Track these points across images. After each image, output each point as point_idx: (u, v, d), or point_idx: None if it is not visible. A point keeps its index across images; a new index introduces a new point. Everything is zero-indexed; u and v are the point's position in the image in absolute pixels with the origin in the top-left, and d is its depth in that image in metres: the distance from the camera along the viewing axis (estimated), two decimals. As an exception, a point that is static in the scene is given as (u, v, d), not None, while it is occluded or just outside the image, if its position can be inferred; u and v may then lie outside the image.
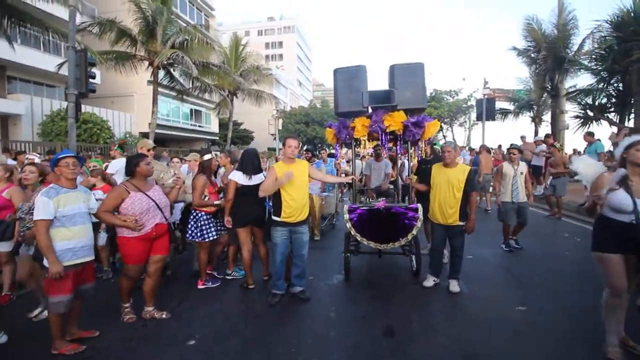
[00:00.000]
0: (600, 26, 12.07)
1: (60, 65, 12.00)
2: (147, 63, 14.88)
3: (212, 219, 4.04)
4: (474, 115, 25.29)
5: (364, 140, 4.18)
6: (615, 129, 11.24)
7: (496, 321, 3.25)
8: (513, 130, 36.33)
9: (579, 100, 13.99)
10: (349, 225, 4.01)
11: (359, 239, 4.07)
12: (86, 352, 2.76)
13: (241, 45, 21.82)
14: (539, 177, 9.99)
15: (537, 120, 18.26)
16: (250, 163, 3.94)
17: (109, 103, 20.21)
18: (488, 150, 9.88)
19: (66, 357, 2.69)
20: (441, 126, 28.74)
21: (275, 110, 32.34)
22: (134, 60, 14.75)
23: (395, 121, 3.89)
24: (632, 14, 10.82)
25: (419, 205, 3.97)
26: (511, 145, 5.95)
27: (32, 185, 3.44)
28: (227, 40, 22.67)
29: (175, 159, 5.87)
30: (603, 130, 17.79)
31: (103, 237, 4.30)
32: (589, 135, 8.70)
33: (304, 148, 9.66)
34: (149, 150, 4.49)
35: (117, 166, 5.07)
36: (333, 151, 6.64)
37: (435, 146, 5.24)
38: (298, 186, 3.58)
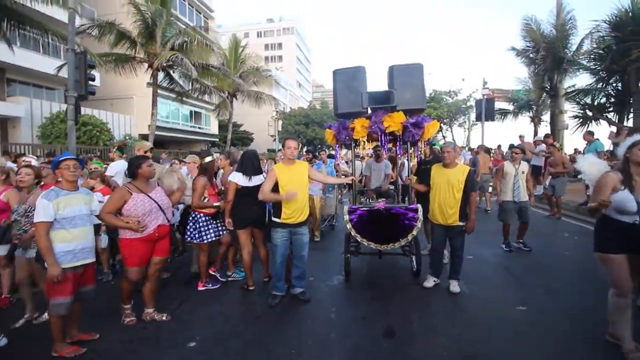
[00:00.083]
0: (599, 26, 12.09)
1: (60, 67, 12.01)
2: (146, 65, 14.89)
3: (211, 221, 4.04)
4: (473, 116, 25.30)
5: (364, 141, 4.18)
6: (614, 129, 11.26)
7: (496, 321, 3.25)
8: (512, 131, 36.41)
9: (578, 100, 14.02)
10: (349, 226, 4.01)
11: (359, 240, 4.07)
12: (86, 355, 2.75)
13: (240, 46, 21.86)
14: (538, 177, 9.99)
15: (536, 120, 18.28)
16: (250, 164, 3.95)
17: (108, 105, 20.22)
18: (487, 151, 9.89)
19: (66, 359, 2.69)
20: (441, 126, 28.77)
21: (274, 112, 32.39)
22: (133, 62, 14.77)
23: (394, 122, 3.90)
24: (630, 14, 10.84)
25: (419, 206, 3.97)
26: (511, 145, 5.97)
27: (27, 188, 3.42)
28: (227, 41, 22.70)
29: (175, 161, 5.87)
30: (602, 130, 17.82)
31: (104, 240, 4.30)
32: (589, 135, 8.70)
33: (305, 149, 9.66)
34: (146, 152, 4.50)
35: (116, 168, 5.07)
36: (333, 152, 6.65)
37: (434, 146, 5.24)
38: (298, 187, 3.58)
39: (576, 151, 14.26)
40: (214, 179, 4.28)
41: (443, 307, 3.63)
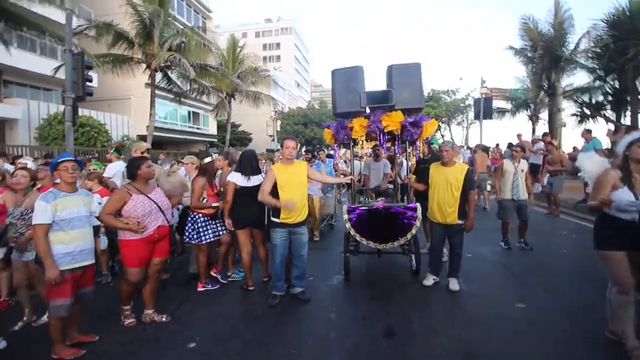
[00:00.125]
0: (596, 25, 12.15)
1: (57, 68, 11.98)
2: (144, 66, 14.86)
3: (210, 221, 4.03)
4: (471, 115, 25.35)
5: (362, 141, 4.18)
6: (612, 126, 11.30)
7: (496, 320, 3.25)
8: (510, 129, 36.53)
9: (575, 98, 14.10)
10: (348, 225, 4.01)
11: (358, 239, 4.07)
12: (86, 357, 2.74)
13: (238, 47, 21.81)
14: (536, 175, 10.03)
15: (534, 118, 18.35)
16: (249, 164, 3.94)
17: (106, 106, 20.16)
18: (485, 149, 9.91)
19: (66, 361, 2.68)
20: (439, 125, 28.84)
21: (273, 112, 32.38)
22: (131, 63, 14.74)
23: (393, 121, 3.90)
24: (627, 13, 10.90)
25: (418, 205, 3.97)
26: (509, 144, 5.98)
27: (23, 190, 3.39)
28: (225, 42, 22.66)
29: (174, 162, 5.85)
30: (600, 128, 17.90)
31: (104, 241, 4.29)
32: (587, 133, 8.73)
33: (304, 149, 9.66)
34: (143, 153, 4.49)
35: (113, 169, 5.06)
36: (331, 152, 6.65)
37: (432, 145, 5.25)
38: (296, 187, 3.58)
39: (575, 149, 14.30)
40: (213, 180, 4.27)
41: (443, 306, 3.63)
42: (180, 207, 4.51)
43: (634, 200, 2.42)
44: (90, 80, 8.48)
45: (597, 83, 12.93)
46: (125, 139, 17.65)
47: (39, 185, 4.10)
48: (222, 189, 4.17)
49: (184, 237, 4.07)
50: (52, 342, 2.71)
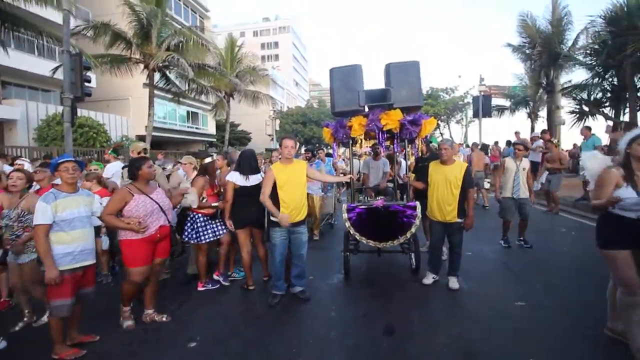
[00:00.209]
0: (594, 21, 12.13)
1: (55, 69, 11.94)
2: (142, 66, 14.82)
3: (209, 221, 4.03)
4: (470, 113, 25.35)
5: (361, 139, 4.18)
6: (611, 123, 11.30)
7: (496, 318, 3.26)
8: (509, 127, 36.45)
9: (574, 95, 14.08)
10: (347, 224, 4.02)
11: (358, 238, 4.07)
12: (86, 357, 2.75)
13: (237, 46, 21.76)
14: (535, 173, 10.04)
15: (533, 116, 18.34)
16: (248, 164, 3.94)
17: (104, 107, 20.12)
18: (483, 148, 9.92)
19: (66, 362, 2.68)
20: (438, 124, 28.84)
21: (272, 111, 32.36)
22: (129, 63, 14.70)
23: (392, 119, 3.90)
24: (625, 9, 10.89)
25: (417, 203, 3.98)
26: (508, 142, 5.96)
27: (19, 192, 3.35)
28: (223, 41, 22.61)
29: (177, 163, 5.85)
30: (599, 125, 17.90)
31: (105, 242, 4.29)
32: (586, 129, 8.74)
33: (304, 148, 9.66)
34: (139, 153, 4.49)
35: (112, 170, 5.07)
36: (330, 151, 6.64)
37: (432, 144, 5.25)
38: (295, 186, 3.58)
39: (575, 146, 14.31)
40: (214, 180, 4.26)
41: (442, 304, 3.64)
42: (179, 207, 4.51)
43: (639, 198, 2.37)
44: (89, 81, 8.46)
45: (596, 80, 12.92)
46: (124, 139, 17.63)
47: (37, 187, 4.09)
48: (221, 189, 4.17)
49: (183, 237, 4.07)
50: (53, 342, 2.72)
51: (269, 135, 33.87)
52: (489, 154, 12.17)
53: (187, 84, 17.66)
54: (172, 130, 24.93)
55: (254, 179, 3.92)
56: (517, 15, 15.60)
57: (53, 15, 12.62)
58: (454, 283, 3.93)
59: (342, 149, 8.69)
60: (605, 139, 9.38)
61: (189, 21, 25.97)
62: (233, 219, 3.90)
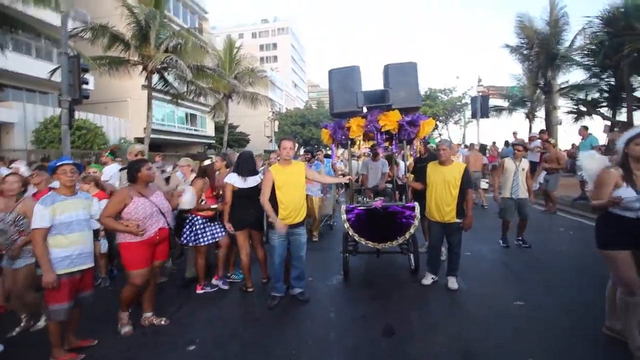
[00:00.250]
0: (591, 22, 12.20)
1: (53, 71, 11.91)
2: (140, 68, 14.80)
3: (208, 223, 4.02)
4: (468, 113, 25.40)
5: (359, 140, 4.18)
6: (608, 123, 11.35)
7: (495, 318, 3.26)
8: (507, 127, 36.58)
9: (571, 95, 14.16)
10: (346, 225, 4.01)
11: (357, 239, 4.07)
12: (84, 361, 2.73)
13: (235, 47, 21.78)
14: (533, 173, 10.07)
15: (530, 116, 18.41)
16: (246, 165, 3.94)
17: (102, 109, 20.09)
18: (482, 148, 9.94)
19: (64, 366, 2.67)
20: (436, 124, 28.89)
21: (270, 113, 32.32)
22: (127, 65, 14.67)
23: (390, 120, 3.90)
24: (622, 9, 10.94)
25: (416, 204, 3.98)
26: (506, 142, 5.96)
27: (15, 196, 3.30)
28: (221, 43, 22.62)
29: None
30: (596, 125, 17.96)
31: (104, 245, 4.27)
32: (584, 129, 8.76)
33: (303, 149, 9.66)
34: (136, 155, 4.49)
35: (109, 172, 5.06)
36: (329, 152, 6.64)
37: (430, 144, 5.25)
38: (294, 188, 3.58)
39: (574, 146, 14.38)
40: (214, 182, 4.25)
41: (442, 305, 3.63)
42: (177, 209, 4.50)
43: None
44: (87, 83, 8.44)
45: (593, 80, 12.99)
46: (122, 141, 17.61)
47: (34, 191, 4.07)
48: (220, 192, 4.17)
49: (182, 239, 4.06)
50: (50, 347, 2.70)
51: (268, 136, 33.85)
52: (487, 154, 12.19)
53: (185, 86, 17.64)
54: (170, 132, 24.92)
55: (252, 181, 3.91)
56: (515, 16, 15.67)
57: (51, 17, 12.58)
58: (453, 283, 3.93)
59: (340, 150, 8.69)
60: (602, 139, 9.41)
61: (188, 23, 26.00)
62: (232, 221, 3.89)
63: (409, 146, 4.48)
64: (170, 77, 16.77)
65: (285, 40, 59.36)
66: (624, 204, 2.39)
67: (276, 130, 34.25)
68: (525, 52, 15.86)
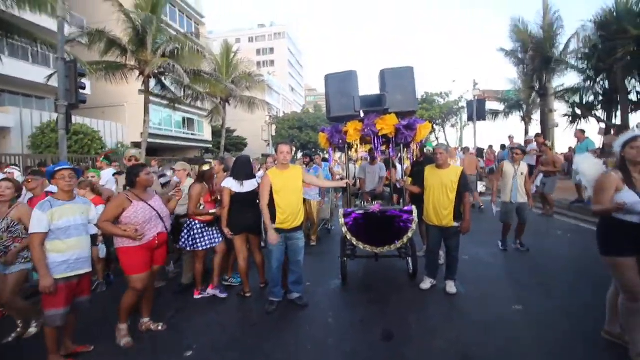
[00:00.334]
0: (585, 26, 12.33)
1: (50, 76, 11.88)
2: (137, 72, 14.80)
3: (207, 228, 4.00)
4: (465, 116, 25.55)
5: (357, 144, 4.19)
6: (603, 125, 11.44)
7: (494, 322, 3.26)
8: (504, 130, 36.81)
9: (566, 98, 14.27)
10: (344, 229, 4.01)
11: (355, 243, 4.07)
12: (81, 368, 2.71)
13: (232, 52, 21.84)
14: (530, 176, 10.12)
15: (526, 119, 18.53)
16: (242, 170, 3.94)
17: (99, 113, 20.05)
18: (480, 152, 10.00)
19: (60, 373, 2.65)
20: (433, 128, 29.00)
21: (268, 117, 32.41)
22: (124, 69, 14.66)
23: (387, 124, 3.92)
24: (614, 14, 11.08)
25: (414, 208, 3.99)
26: (502, 146, 5.98)
27: (8, 202, 3.25)
28: (218, 47, 22.68)
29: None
30: (592, 128, 18.13)
31: (102, 250, 4.24)
32: (580, 132, 8.82)
33: (301, 153, 9.68)
34: (130, 159, 4.48)
35: (106, 177, 5.05)
36: (327, 156, 6.66)
37: (427, 148, 5.27)
38: (292, 192, 3.58)
39: (570, 149, 14.48)
40: (212, 186, 4.24)
41: (440, 309, 3.63)
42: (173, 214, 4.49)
43: None
44: (84, 88, 8.41)
45: (588, 83, 13.11)
46: (119, 146, 17.55)
47: (30, 196, 4.05)
48: (218, 196, 4.16)
49: (180, 244, 4.04)
50: (47, 353, 2.68)
51: (265, 140, 33.86)
52: (484, 158, 12.23)
53: (182, 90, 17.63)
54: (167, 137, 24.87)
55: (248, 185, 3.91)
56: (509, 21, 15.84)
57: (47, 22, 12.57)
58: (451, 287, 3.93)
59: (338, 154, 8.71)
60: (597, 142, 9.47)
61: (185, 28, 26.04)
62: (230, 225, 3.88)
63: (406, 149, 4.50)
64: (167, 82, 16.76)
65: (282, 44, 59.59)
66: (628, 208, 2.35)
67: (273, 134, 34.29)
68: (520, 55, 16.01)
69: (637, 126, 8.30)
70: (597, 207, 2.55)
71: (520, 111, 19.12)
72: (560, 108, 15.13)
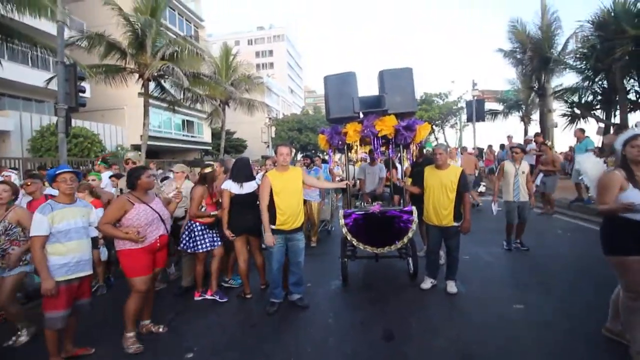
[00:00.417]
0: (583, 26, 12.36)
1: (49, 80, 11.89)
2: (137, 75, 14.83)
3: (207, 230, 4.01)
4: (464, 117, 25.58)
5: (356, 145, 4.20)
6: (602, 125, 11.46)
7: (494, 321, 3.26)
8: (503, 130, 36.85)
9: (565, 98, 14.29)
10: (344, 230, 4.02)
11: (355, 244, 4.07)
12: (82, 370, 2.71)
13: (231, 55, 21.91)
14: (531, 176, 10.13)
15: (526, 119, 18.57)
16: (242, 172, 3.94)
17: (99, 116, 20.07)
18: (479, 152, 10.01)
19: (61, 376, 2.65)
20: (432, 128, 29.01)
21: (267, 119, 32.43)
22: (124, 73, 14.70)
23: (386, 125, 3.93)
24: (612, 14, 11.11)
25: (414, 208, 3.99)
26: (501, 145, 5.99)
27: (5, 205, 3.25)
28: (218, 50, 22.74)
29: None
30: (591, 127, 18.14)
31: (104, 253, 4.24)
32: (580, 132, 8.83)
33: (300, 155, 9.69)
34: (126, 163, 4.49)
35: (104, 181, 5.07)
36: (326, 157, 6.67)
37: (426, 149, 5.28)
38: (292, 194, 3.58)
39: (571, 149, 14.50)
40: (213, 189, 4.24)
41: (441, 309, 3.63)
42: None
43: None
44: (83, 91, 8.46)
45: (586, 83, 13.13)
46: (119, 148, 17.57)
47: (28, 199, 4.05)
48: (219, 199, 4.17)
49: (180, 246, 4.04)
50: (48, 355, 2.68)
51: (265, 142, 33.89)
52: (484, 158, 12.24)
53: (182, 93, 17.66)
54: (167, 139, 24.89)
55: (248, 187, 3.91)
56: (508, 22, 15.89)
57: (47, 26, 12.61)
58: (451, 287, 3.93)
59: (337, 155, 8.72)
60: (596, 141, 9.50)
61: (184, 31, 26.12)
62: (230, 227, 3.88)
63: (405, 150, 4.51)
64: (166, 85, 16.81)
65: (281, 47, 59.73)
66: (637, 207, 2.32)
67: (273, 136, 34.30)
68: (518, 56, 16.04)
69: (636, 125, 8.30)
70: (603, 207, 2.52)
71: (519, 111, 19.17)
72: (559, 108, 15.16)
